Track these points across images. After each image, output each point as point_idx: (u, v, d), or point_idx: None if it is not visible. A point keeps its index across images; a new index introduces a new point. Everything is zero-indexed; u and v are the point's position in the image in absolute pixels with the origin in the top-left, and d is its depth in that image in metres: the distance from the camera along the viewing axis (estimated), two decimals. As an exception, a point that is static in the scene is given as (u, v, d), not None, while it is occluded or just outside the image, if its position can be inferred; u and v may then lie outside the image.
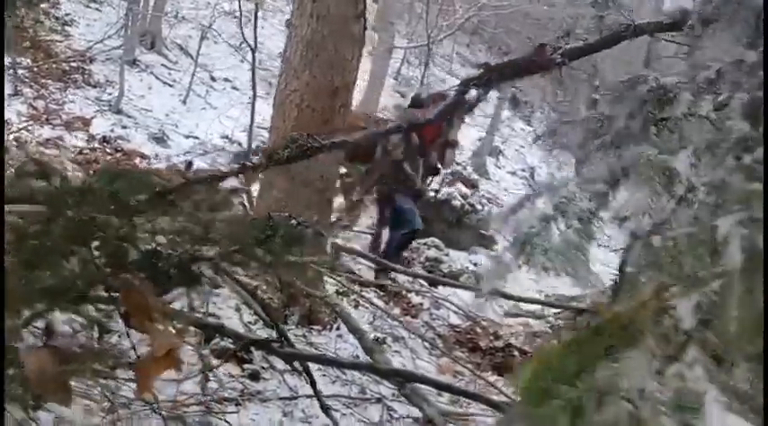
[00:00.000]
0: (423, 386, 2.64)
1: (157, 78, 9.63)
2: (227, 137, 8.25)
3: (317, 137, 1.40)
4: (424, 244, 6.23)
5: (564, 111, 14.90)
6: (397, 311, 5.00)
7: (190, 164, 5.16)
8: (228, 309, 3.59)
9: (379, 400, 3.26)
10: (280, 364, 3.25)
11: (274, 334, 2.76)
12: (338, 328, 3.84)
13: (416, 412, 2.87)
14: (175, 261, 1.50)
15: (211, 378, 2.98)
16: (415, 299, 5.36)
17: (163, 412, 2.23)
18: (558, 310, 5.48)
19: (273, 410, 2.94)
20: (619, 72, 14.30)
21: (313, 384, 2.42)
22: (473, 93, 1.38)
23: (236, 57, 10.75)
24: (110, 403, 2.43)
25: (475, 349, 4.75)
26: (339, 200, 6.51)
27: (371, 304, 4.12)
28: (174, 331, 1.96)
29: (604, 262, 9.48)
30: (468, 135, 12.21)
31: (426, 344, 4.38)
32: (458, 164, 8.22)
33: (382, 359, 2.50)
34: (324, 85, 3.35)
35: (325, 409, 2.43)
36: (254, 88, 4.61)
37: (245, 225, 1.36)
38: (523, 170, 12.79)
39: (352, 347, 3.65)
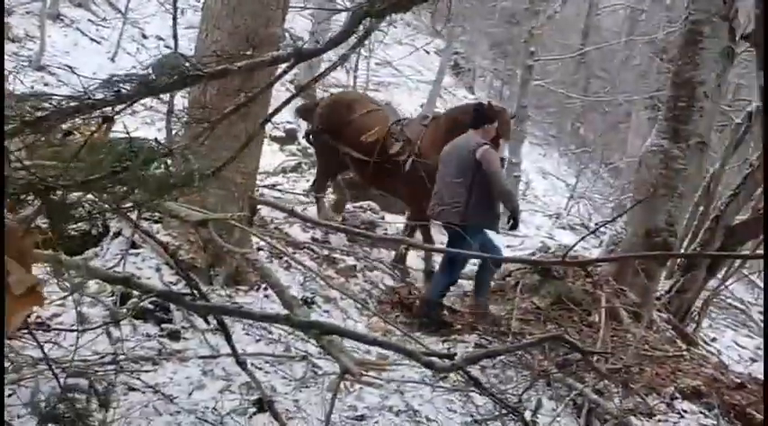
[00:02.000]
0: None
1: (84, 34, 9.13)
2: (158, 97, 7.92)
3: (199, 65, 1.32)
4: (360, 207, 6.19)
5: (506, 81, 15.05)
6: (330, 273, 4.97)
7: (108, 119, 4.88)
8: (149, 269, 3.49)
9: (304, 357, 3.24)
10: (201, 323, 3.18)
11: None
12: (266, 288, 3.77)
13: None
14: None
15: (127, 338, 2.89)
16: (350, 261, 5.34)
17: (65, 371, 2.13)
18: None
19: (193, 369, 2.88)
20: (556, 39, 14.51)
21: (228, 338, 2.36)
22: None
23: (170, 13, 10.28)
24: (11, 364, 2.32)
25: (408, 308, 4.78)
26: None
27: (302, 265, 4.07)
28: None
29: (539, 226, 9.73)
30: (410, 101, 12.18)
31: (358, 305, 4.38)
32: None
33: (301, 313, 2.46)
34: (247, 36, 3.22)
35: (242, 365, 2.38)
36: (175, 39, 4.39)
37: (104, 151, 1.26)
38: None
39: (280, 307, 3.60)
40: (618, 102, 12.95)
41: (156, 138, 1.35)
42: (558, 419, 3.46)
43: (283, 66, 1.73)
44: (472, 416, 3.22)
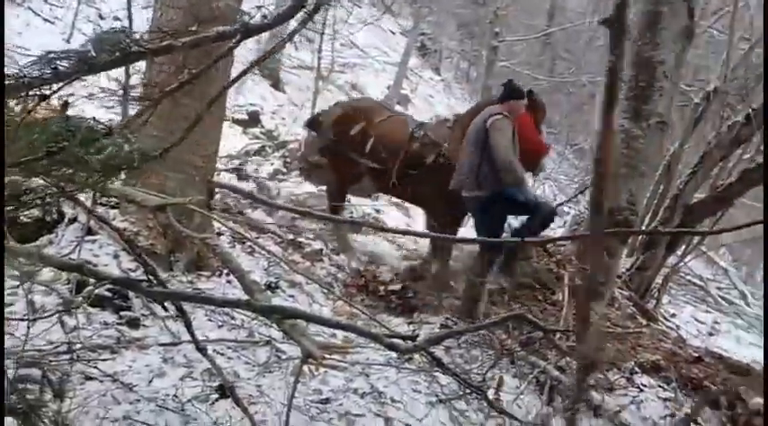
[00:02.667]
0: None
1: (36, 14, 8.79)
2: (116, 79, 7.69)
3: (141, 41, 1.26)
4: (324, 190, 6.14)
5: (472, 61, 15.05)
6: (296, 257, 4.93)
7: (65, 104, 4.72)
8: (106, 256, 3.40)
9: (267, 342, 3.22)
10: (162, 310, 3.12)
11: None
12: (228, 274, 3.72)
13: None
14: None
15: (84, 326, 2.82)
16: (316, 246, 5.30)
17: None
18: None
19: (153, 356, 2.83)
20: (521, 19, 14.54)
21: (188, 325, 2.32)
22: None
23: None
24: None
25: (373, 292, 4.78)
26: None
27: (265, 250, 4.02)
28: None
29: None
30: (376, 83, 12.10)
31: (324, 289, 4.36)
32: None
33: (262, 298, 2.43)
34: (204, 10, 3.12)
35: (203, 351, 2.34)
36: (130, 19, 4.26)
37: (38, 131, 1.19)
38: (431, 119, 12.86)
39: (242, 292, 3.55)
40: (582, 83, 13.07)
41: (93, 117, 1.29)
42: (522, 396, 3.52)
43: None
44: (437, 396, 3.24)
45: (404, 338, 2.59)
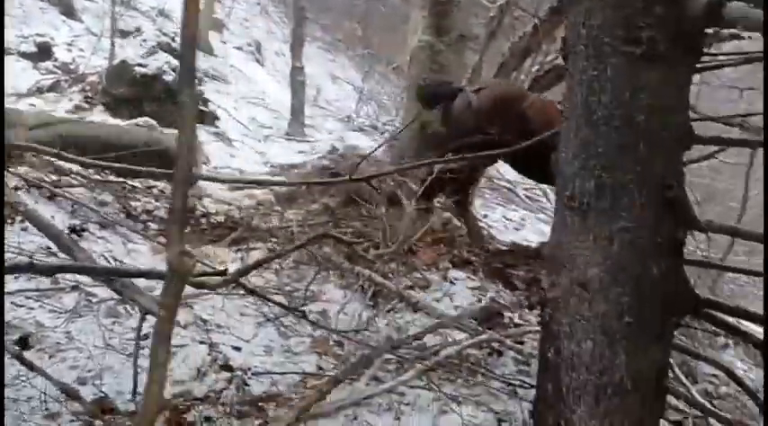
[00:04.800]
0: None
1: None
2: None
3: None
4: (136, 124, 5.74)
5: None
6: (107, 197, 4.60)
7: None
8: None
9: (75, 287, 3.03)
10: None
11: None
12: (22, 221, 3.39)
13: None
14: None
15: None
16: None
17: None
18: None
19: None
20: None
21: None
22: None
23: None
24: None
25: (196, 224, 4.65)
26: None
27: (67, 194, 3.71)
28: None
29: (331, 130, 9.91)
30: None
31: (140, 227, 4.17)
32: (172, 39, 7.57)
33: (83, 257, 2.30)
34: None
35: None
36: None
37: None
38: (249, 44, 12.35)
39: (41, 239, 3.27)
40: (395, 2, 13.21)
41: None
42: (348, 305, 3.72)
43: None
44: (264, 316, 3.31)
45: (212, 274, 2.61)
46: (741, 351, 4.07)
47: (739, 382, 1.71)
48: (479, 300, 3.88)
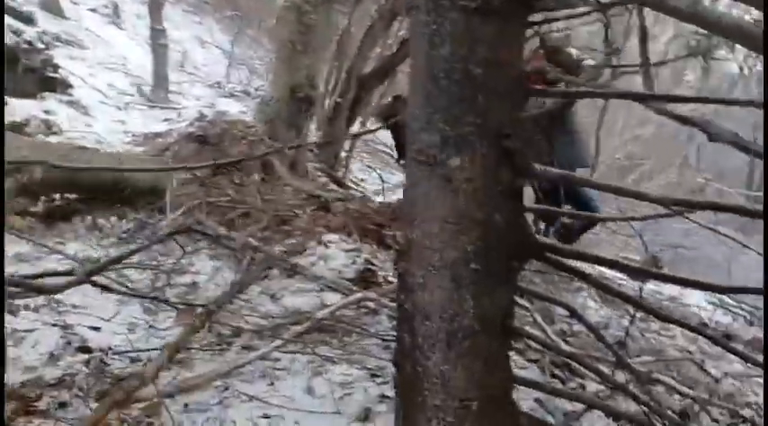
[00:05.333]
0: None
1: None
2: None
3: None
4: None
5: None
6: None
7: None
8: None
9: None
10: None
11: None
12: None
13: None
14: None
15: None
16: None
17: None
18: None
19: None
20: None
21: None
22: None
23: None
24: None
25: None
26: None
27: None
28: None
29: (200, 97, 9.45)
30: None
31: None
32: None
33: None
34: None
35: None
36: None
37: None
38: (106, 6, 11.42)
39: None
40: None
41: None
42: (223, 275, 3.63)
43: None
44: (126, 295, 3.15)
45: (59, 275, 2.43)
46: (594, 293, 4.46)
47: (579, 318, 1.85)
48: (354, 262, 3.93)
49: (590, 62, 4.57)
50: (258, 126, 5.48)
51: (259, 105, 5.83)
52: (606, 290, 1.85)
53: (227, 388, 2.53)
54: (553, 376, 3.15)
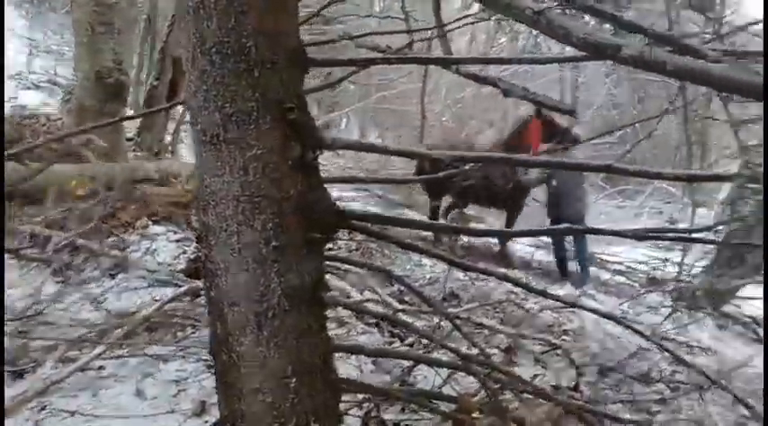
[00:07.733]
0: None
1: None
2: None
3: None
4: None
5: None
6: None
7: None
8: None
9: None
10: None
11: None
12: None
13: None
14: None
15: None
16: None
17: None
18: None
19: None
20: None
21: None
22: None
23: None
24: None
25: None
26: None
27: None
28: None
29: None
30: None
31: None
32: None
33: None
34: None
35: None
36: None
37: None
38: None
39: None
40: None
41: None
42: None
43: None
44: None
45: None
46: (427, 260, 4.66)
47: (396, 279, 1.91)
48: (184, 252, 3.75)
49: (579, 132, 5.79)
50: (64, 118, 5.00)
51: (64, 95, 5.31)
52: (406, 247, 1.92)
53: (44, 408, 2.32)
54: (393, 335, 3.26)
